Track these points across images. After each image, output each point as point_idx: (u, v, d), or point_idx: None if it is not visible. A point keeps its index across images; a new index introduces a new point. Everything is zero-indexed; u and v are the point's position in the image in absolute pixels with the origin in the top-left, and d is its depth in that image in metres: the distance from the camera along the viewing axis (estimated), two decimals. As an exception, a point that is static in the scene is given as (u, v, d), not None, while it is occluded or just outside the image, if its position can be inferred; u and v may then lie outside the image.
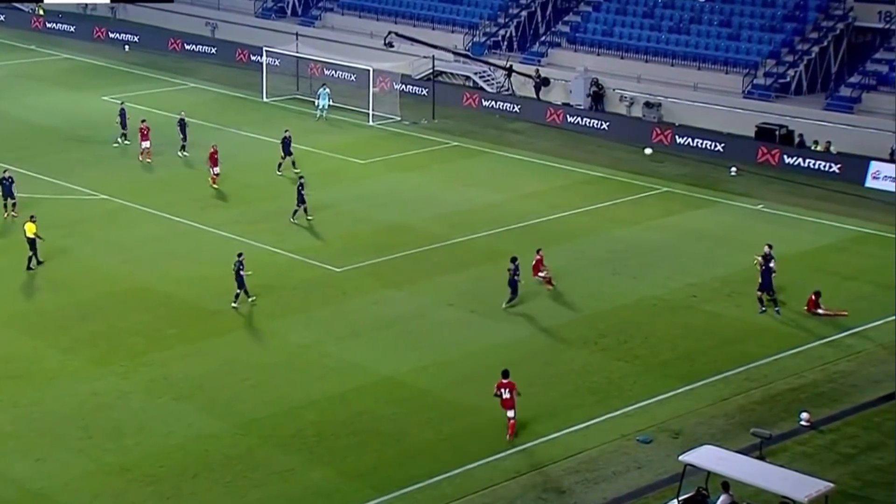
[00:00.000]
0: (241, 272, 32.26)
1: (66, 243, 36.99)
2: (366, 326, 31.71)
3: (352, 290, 34.13)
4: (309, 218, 39.47)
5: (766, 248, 34.01)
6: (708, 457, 22.06)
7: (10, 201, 38.97)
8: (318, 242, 37.65)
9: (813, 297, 32.89)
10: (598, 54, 57.49)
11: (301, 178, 40.02)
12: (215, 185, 42.53)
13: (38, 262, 35.12)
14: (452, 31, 62.10)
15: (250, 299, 32.52)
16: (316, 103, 53.36)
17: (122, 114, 48.41)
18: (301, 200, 39.14)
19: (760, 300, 32.94)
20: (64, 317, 31.72)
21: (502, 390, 25.67)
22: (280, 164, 44.38)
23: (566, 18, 60.93)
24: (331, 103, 53.13)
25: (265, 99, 56.61)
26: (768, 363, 30.12)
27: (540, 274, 33.92)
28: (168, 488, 23.78)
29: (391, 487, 23.86)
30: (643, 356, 30.34)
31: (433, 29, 62.57)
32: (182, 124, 47.01)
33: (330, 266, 35.65)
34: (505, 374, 25.96)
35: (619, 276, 35.57)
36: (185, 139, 46.82)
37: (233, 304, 32.41)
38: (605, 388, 28.50)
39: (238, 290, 32.34)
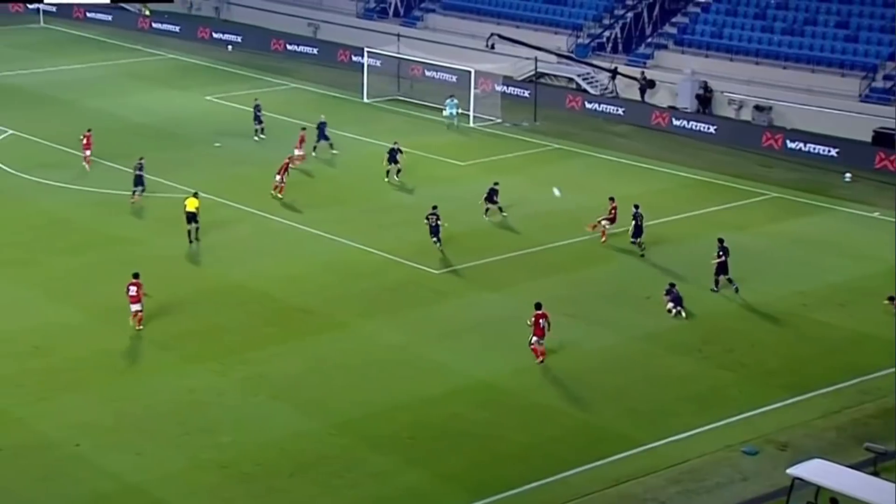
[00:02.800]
0: (439, 224, 36.18)
1: (161, 240, 37.76)
2: (460, 329, 31.66)
3: (447, 292, 34.13)
4: (504, 215, 39.90)
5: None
6: (818, 471, 21.42)
7: (138, 188, 40.96)
8: (414, 244, 37.75)
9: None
10: (707, 56, 56.57)
11: (496, 183, 40.42)
12: (280, 195, 41.91)
13: (197, 239, 37.05)
14: (556, 33, 61.78)
15: (438, 246, 36.34)
16: (444, 112, 53.43)
17: (257, 109, 49.79)
18: (492, 201, 39.92)
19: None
20: (161, 313, 32.31)
21: (542, 321, 28.88)
22: (388, 172, 44.66)
23: (674, 20, 60.12)
24: (459, 111, 53.13)
25: (366, 100, 57.10)
26: (883, 376, 29.16)
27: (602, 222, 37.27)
28: (262, 487, 24.01)
29: (486, 492, 23.73)
30: (748, 365, 29.65)
31: (536, 30, 62.32)
32: (322, 127, 47.61)
33: (426, 268, 35.71)
34: (538, 305, 29.22)
35: (724, 283, 34.86)
36: (327, 139, 47.34)
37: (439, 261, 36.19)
38: (707, 397, 27.93)
39: (435, 239, 36.36)
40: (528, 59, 57.92)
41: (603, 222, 38.00)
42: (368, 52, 59.12)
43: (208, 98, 57.29)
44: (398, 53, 59.05)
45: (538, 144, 50.68)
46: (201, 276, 35.24)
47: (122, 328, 31.38)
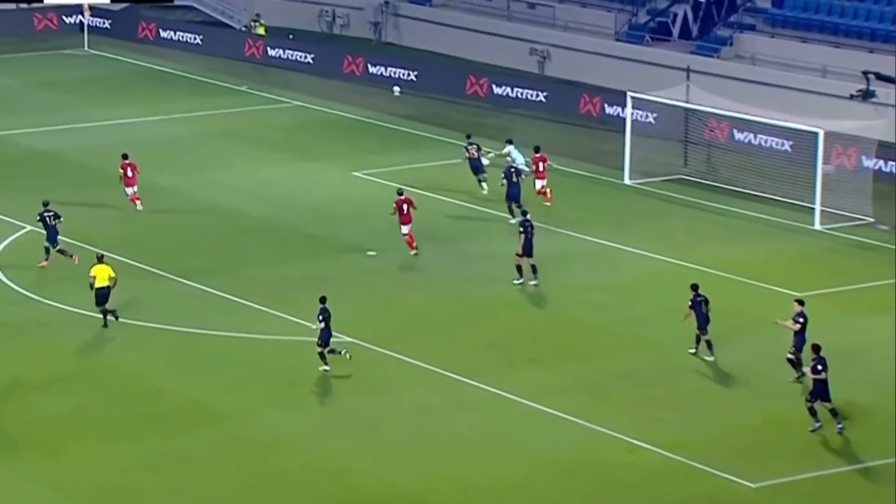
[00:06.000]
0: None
1: (289, 419, 38.76)
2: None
3: (773, 522, 34.09)
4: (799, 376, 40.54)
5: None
6: None
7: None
8: (710, 433, 37.84)
9: None
10: None
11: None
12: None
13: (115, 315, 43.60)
14: None
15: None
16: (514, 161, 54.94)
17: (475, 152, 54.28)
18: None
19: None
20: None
21: None
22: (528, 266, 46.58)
23: None
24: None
25: (627, 180, 57.77)
26: None
27: None
28: None
29: None
30: None
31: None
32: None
33: (735, 477, 35.56)
34: None
35: None
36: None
37: None
38: None
39: None
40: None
41: None
42: (634, 98, 60.09)
43: (358, 174, 59.21)
44: (686, 102, 59.77)
45: (941, 265, 50.25)
46: (346, 479, 35.86)
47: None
